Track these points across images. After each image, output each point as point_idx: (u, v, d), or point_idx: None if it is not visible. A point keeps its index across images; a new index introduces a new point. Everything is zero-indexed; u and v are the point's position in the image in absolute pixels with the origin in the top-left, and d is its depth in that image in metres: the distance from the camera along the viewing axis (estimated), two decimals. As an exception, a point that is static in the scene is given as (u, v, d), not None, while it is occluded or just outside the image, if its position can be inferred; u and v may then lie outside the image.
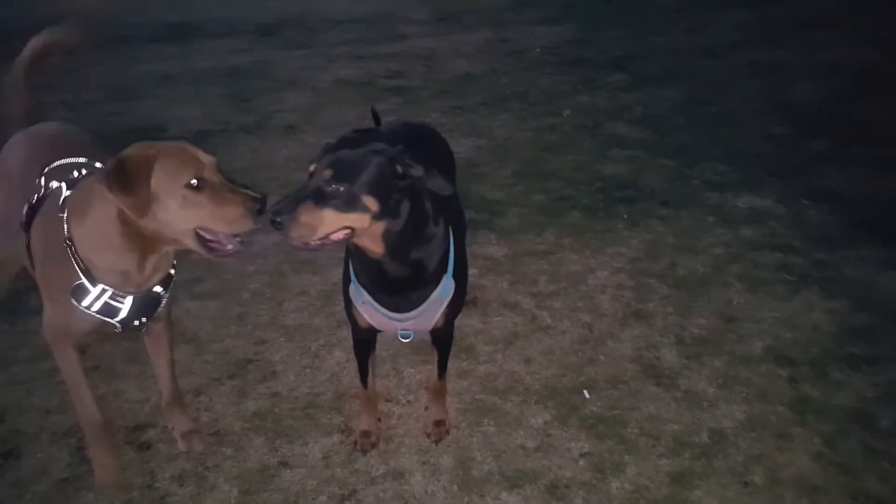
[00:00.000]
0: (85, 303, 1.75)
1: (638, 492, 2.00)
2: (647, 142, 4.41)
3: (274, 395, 2.40)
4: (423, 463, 2.12)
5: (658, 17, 7.79)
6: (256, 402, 2.36)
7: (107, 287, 1.74)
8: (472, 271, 2.55)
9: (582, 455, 2.13)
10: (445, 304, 1.87)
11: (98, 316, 1.77)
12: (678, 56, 6.27)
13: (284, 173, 4.05)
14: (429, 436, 2.20)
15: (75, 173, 1.88)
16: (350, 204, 1.56)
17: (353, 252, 1.82)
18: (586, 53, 6.43)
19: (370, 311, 1.87)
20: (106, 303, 1.76)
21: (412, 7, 8.77)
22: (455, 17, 8.26)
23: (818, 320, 2.70)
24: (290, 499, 2.01)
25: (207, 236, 1.69)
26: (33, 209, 1.85)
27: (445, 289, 1.85)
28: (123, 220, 1.67)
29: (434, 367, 2.17)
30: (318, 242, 1.59)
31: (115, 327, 1.83)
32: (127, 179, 1.59)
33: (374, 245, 1.67)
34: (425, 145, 2.11)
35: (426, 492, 2.02)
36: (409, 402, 2.36)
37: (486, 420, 2.27)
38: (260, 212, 1.67)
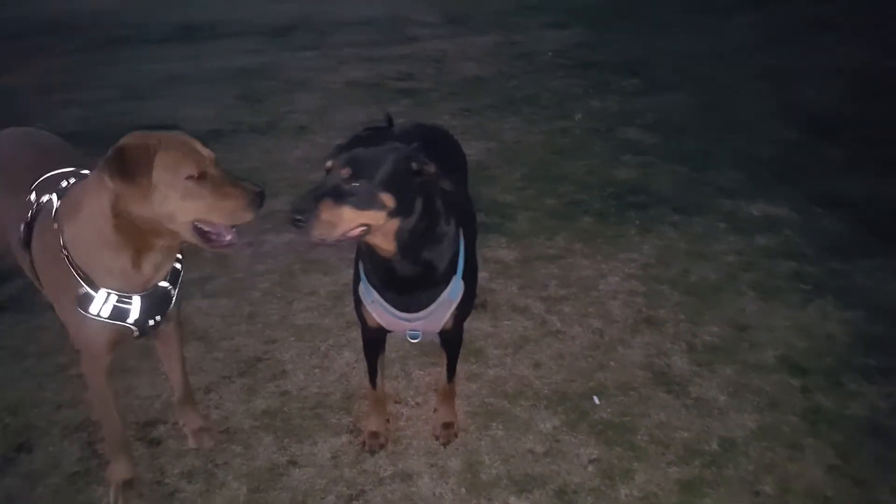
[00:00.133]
0: (93, 310, 1.71)
1: (647, 499, 1.99)
2: (660, 147, 4.40)
3: (283, 393, 2.40)
4: (432, 465, 2.12)
5: (667, 20, 7.79)
6: (266, 401, 2.37)
7: (110, 290, 1.72)
8: (482, 274, 2.54)
9: (591, 461, 2.12)
10: (454, 305, 1.87)
11: (111, 321, 1.75)
12: (689, 60, 6.26)
13: (296, 174, 4.07)
14: (437, 438, 2.20)
15: (64, 183, 1.84)
16: (368, 201, 1.57)
17: (363, 251, 1.82)
18: (597, 57, 6.43)
19: (379, 311, 1.87)
20: (114, 306, 1.73)
21: (422, 10, 8.80)
22: (464, 20, 8.29)
23: (832, 330, 2.68)
24: (298, 498, 2.01)
25: (205, 228, 1.69)
26: (29, 226, 1.81)
27: (455, 290, 1.85)
28: (117, 212, 1.63)
29: (443, 370, 2.17)
30: (335, 239, 1.59)
31: (134, 331, 1.81)
32: (127, 167, 1.57)
33: (386, 243, 1.68)
34: (438, 147, 2.11)
35: (434, 494, 2.02)
36: (417, 403, 2.36)
37: (494, 424, 2.26)
38: (259, 204, 1.68)
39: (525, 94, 5.47)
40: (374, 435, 2.17)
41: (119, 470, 1.99)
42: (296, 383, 2.44)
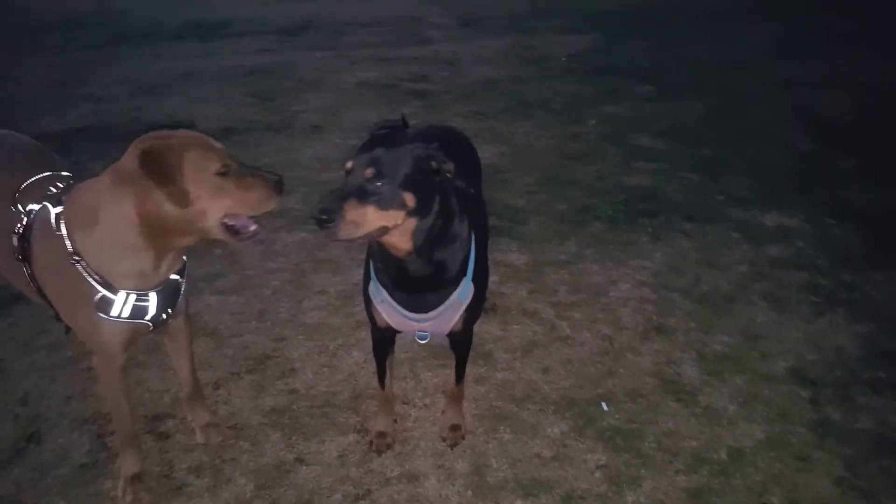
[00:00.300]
0: (114, 312, 1.70)
1: (654, 506, 1.99)
2: (672, 154, 4.39)
3: (292, 391, 2.41)
4: (439, 466, 2.12)
5: (683, 28, 7.77)
6: (274, 398, 2.37)
7: (130, 291, 1.72)
8: (492, 278, 2.54)
9: (598, 467, 2.11)
10: (464, 307, 1.87)
11: (130, 321, 1.75)
12: (703, 68, 6.25)
13: (310, 173, 4.08)
14: (444, 440, 2.20)
15: (52, 189, 1.80)
16: (391, 201, 1.58)
17: (374, 250, 1.82)
18: (611, 63, 6.42)
19: (388, 310, 1.87)
20: (134, 305, 1.74)
21: (436, 12, 8.82)
22: (478, 23, 8.30)
23: (843, 342, 2.66)
24: (304, 496, 2.01)
25: (230, 222, 1.69)
26: (22, 238, 1.76)
27: (464, 292, 1.85)
28: (146, 218, 1.61)
29: (452, 372, 2.17)
30: (359, 239, 1.60)
31: (149, 327, 1.82)
32: (160, 172, 1.57)
33: (403, 242, 1.68)
34: (452, 148, 2.12)
35: (440, 496, 2.02)
36: (425, 405, 2.36)
37: (502, 427, 2.26)
38: (280, 191, 1.70)
39: (538, 99, 5.47)
40: (382, 435, 2.18)
41: (128, 463, 2.01)
42: (304, 381, 2.45)
